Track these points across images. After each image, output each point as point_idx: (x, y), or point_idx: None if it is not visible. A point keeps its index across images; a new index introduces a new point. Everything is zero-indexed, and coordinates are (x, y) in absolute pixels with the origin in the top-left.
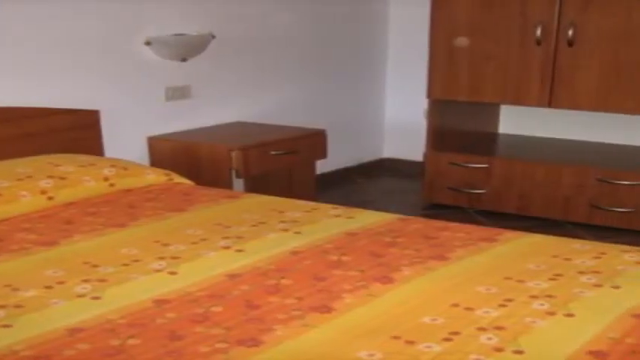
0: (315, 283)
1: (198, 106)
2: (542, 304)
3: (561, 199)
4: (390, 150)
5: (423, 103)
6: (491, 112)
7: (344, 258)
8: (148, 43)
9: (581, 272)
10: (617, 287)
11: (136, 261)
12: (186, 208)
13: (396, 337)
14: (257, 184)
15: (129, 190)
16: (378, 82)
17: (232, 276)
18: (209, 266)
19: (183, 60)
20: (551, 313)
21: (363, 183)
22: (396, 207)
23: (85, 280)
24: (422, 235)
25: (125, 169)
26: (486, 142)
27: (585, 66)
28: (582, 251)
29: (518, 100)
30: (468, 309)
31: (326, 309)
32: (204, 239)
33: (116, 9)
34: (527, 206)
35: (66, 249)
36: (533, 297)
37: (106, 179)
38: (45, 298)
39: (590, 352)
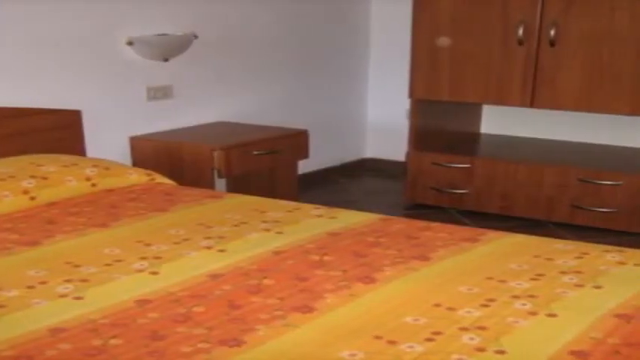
0: (297, 283)
1: (180, 106)
2: (524, 304)
3: (543, 199)
4: (373, 150)
5: (405, 103)
6: (474, 112)
7: (326, 258)
8: (130, 43)
9: (563, 272)
10: (599, 287)
11: (118, 261)
12: (168, 208)
13: (378, 337)
14: (239, 184)
15: (111, 190)
16: (360, 82)
17: (214, 276)
18: (191, 266)
19: (166, 60)
20: (533, 313)
21: (345, 183)
22: (378, 207)
23: (67, 280)
24: (404, 235)
25: (107, 169)
26: (469, 142)
27: (567, 66)
28: (564, 251)
29: (500, 100)
30: (450, 309)
31: (308, 309)
32: (187, 239)
33: (98, 9)
34: (509, 206)
35: (48, 249)
36: (515, 297)
37: (88, 179)
38: (27, 298)
39: (572, 352)
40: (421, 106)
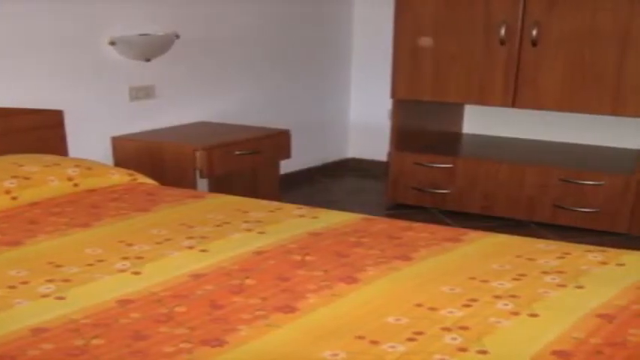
0: (279, 283)
1: (162, 106)
2: (506, 304)
3: (525, 199)
4: (355, 150)
5: (387, 104)
6: (456, 112)
7: (308, 258)
8: (112, 43)
9: (545, 272)
10: (581, 287)
11: (100, 261)
12: (150, 208)
13: (360, 337)
14: (221, 184)
15: (93, 190)
16: (342, 82)
17: (196, 276)
18: (173, 266)
19: (148, 60)
20: (515, 313)
21: (328, 183)
22: (360, 207)
23: (49, 280)
24: (386, 235)
25: (89, 169)
26: (450, 142)
27: (549, 66)
28: (546, 251)
29: (482, 100)
30: (432, 309)
31: (290, 309)
32: (169, 239)
33: (80, 8)
34: (491, 206)
35: (30, 249)
36: (497, 297)
37: (70, 179)
38: (9, 298)
39: (555, 352)
40: (403, 106)
